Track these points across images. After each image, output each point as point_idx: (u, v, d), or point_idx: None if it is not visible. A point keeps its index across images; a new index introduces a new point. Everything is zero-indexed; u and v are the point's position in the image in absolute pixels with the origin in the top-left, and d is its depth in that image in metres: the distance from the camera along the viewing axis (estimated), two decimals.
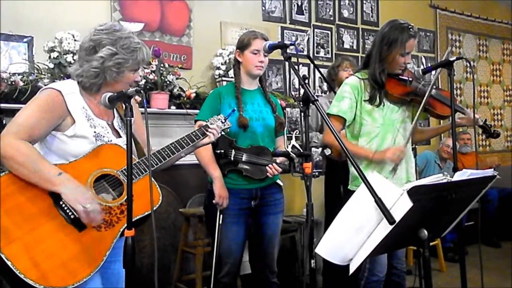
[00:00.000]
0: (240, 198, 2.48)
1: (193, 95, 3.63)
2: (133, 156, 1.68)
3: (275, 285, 2.61)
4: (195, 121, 2.51)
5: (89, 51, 1.76)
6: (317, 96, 4.64)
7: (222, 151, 2.43)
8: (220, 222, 2.46)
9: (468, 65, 2.78)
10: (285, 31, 4.65)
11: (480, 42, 6.49)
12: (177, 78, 3.63)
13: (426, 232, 1.51)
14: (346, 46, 5.14)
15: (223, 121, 2.15)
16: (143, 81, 3.45)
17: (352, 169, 2.53)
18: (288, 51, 1.80)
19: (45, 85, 2.86)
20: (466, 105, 6.08)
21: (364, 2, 5.29)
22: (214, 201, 2.41)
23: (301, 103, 1.71)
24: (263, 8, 4.53)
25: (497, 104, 6.68)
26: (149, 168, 1.63)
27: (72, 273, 1.56)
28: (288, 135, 2.72)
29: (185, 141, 1.94)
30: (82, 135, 1.72)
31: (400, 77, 2.47)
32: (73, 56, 3.06)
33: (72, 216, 1.62)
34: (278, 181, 2.62)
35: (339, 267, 1.53)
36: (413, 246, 3.13)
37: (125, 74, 1.78)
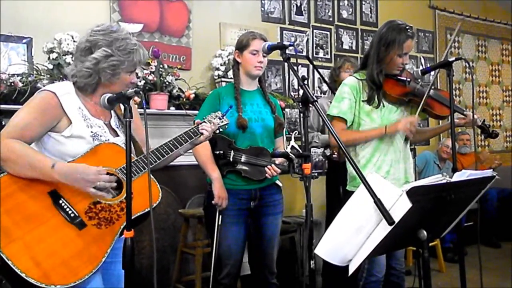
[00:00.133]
0: (239, 198, 2.48)
1: (192, 96, 3.63)
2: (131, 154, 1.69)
3: (274, 286, 2.61)
4: (194, 122, 2.50)
5: (84, 51, 1.76)
6: (317, 97, 4.65)
7: (221, 152, 2.44)
8: (220, 223, 2.46)
9: (467, 65, 2.79)
10: (284, 31, 4.66)
11: (479, 43, 6.50)
12: (176, 79, 3.63)
13: (425, 232, 1.51)
14: (345, 46, 5.14)
15: (220, 117, 2.15)
16: (142, 82, 3.45)
17: (350, 170, 2.53)
18: (287, 51, 1.80)
19: (44, 86, 2.88)
20: (465, 105, 6.08)
21: (363, 2, 5.29)
22: (213, 202, 2.41)
23: (300, 103, 1.71)
24: (262, 9, 4.53)
25: (496, 105, 6.68)
26: (148, 167, 1.64)
27: (73, 271, 1.56)
28: (287, 136, 2.72)
29: (182, 139, 1.94)
30: (79, 135, 1.73)
31: (398, 77, 2.48)
32: (72, 57, 3.06)
33: (72, 215, 1.63)
34: (278, 182, 2.62)
35: (338, 267, 1.54)
36: (413, 247, 3.13)
37: (120, 75, 1.79)
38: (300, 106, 1.72)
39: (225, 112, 2.20)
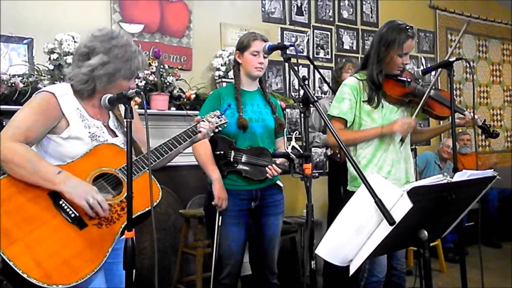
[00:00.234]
0: (240, 199, 2.48)
1: (193, 96, 3.63)
2: None
3: (275, 286, 2.61)
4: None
5: (82, 56, 1.77)
6: (318, 97, 4.65)
7: (222, 152, 2.44)
8: (219, 223, 2.46)
9: (468, 65, 2.79)
10: (284, 32, 4.66)
11: (479, 43, 6.49)
12: (177, 79, 3.63)
13: (426, 232, 1.51)
14: (346, 47, 5.14)
15: (219, 116, 2.16)
16: (143, 82, 3.45)
17: (351, 170, 2.53)
18: (287, 52, 1.80)
19: (45, 86, 2.88)
20: (465, 105, 6.08)
21: (364, 3, 5.29)
22: (213, 203, 2.41)
23: (301, 104, 1.71)
24: (263, 9, 4.53)
25: (497, 105, 6.68)
26: (149, 167, 1.64)
27: (75, 271, 1.57)
28: (288, 136, 2.72)
29: (181, 138, 1.95)
30: (77, 136, 1.73)
31: (399, 78, 2.48)
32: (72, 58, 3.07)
33: (72, 215, 1.63)
34: (278, 182, 2.62)
35: (339, 268, 1.53)
36: (413, 247, 3.13)
37: (117, 82, 1.78)
38: (301, 106, 1.72)
39: (224, 111, 2.20)
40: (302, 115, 1.73)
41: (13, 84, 2.93)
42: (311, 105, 1.70)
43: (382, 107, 2.45)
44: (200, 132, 2.00)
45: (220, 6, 4.23)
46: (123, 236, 1.59)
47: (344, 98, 2.45)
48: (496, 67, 6.70)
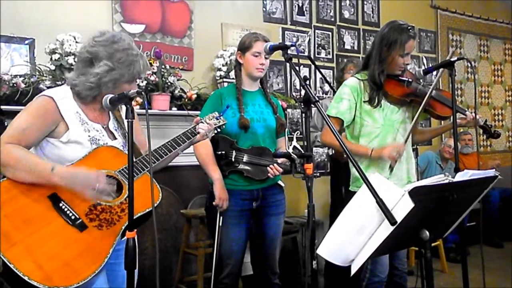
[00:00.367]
0: (241, 199, 2.48)
1: (194, 96, 3.63)
2: None
3: (276, 286, 2.61)
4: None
5: (85, 62, 1.77)
6: (319, 97, 4.65)
7: (223, 152, 2.44)
8: (220, 224, 2.46)
9: (469, 65, 2.78)
10: (286, 32, 4.66)
11: (481, 43, 6.48)
12: (178, 80, 3.63)
13: (427, 232, 1.51)
14: (347, 47, 5.14)
15: (218, 117, 2.17)
16: (144, 82, 3.46)
17: (353, 170, 2.53)
18: (289, 52, 1.80)
19: (47, 87, 2.89)
20: (467, 105, 6.07)
21: (365, 2, 5.29)
22: (214, 203, 2.41)
23: (302, 104, 1.72)
24: (264, 9, 4.53)
25: (498, 104, 6.67)
26: (151, 167, 1.64)
27: (76, 272, 1.56)
28: (289, 136, 2.72)
29: (180, 139, 1.96)
30: (76, 140, 1.73)
31: (400, 78, 2.47)
32: (74, 58, 3.07)
33: (72, 217, 1.63)
34: (280, 182, 2.62)
35: (340, 268, 1.53)
36: (415, 247, 3.13)
37: (121, 87, 1.79)
38: (302, 106, 1.72)
39: (222, 112, 2.21)
40: (303, 115, 1.73)
41: (14, 85, 2.94)
42: (312, 105, 1.70)
43: (384, 107, 2.45)
44: (198, 133, 2.01)
45: (221, 6, 4.23)
46: (125, 237, 1.59)
47: (343, 99, 2.45)
48: (498, 67, 6.69)
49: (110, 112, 1.91)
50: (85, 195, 1.63)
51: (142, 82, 3.44)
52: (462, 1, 6.18)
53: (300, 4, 4.77)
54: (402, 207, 1.36)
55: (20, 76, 3.01)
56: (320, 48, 4.92)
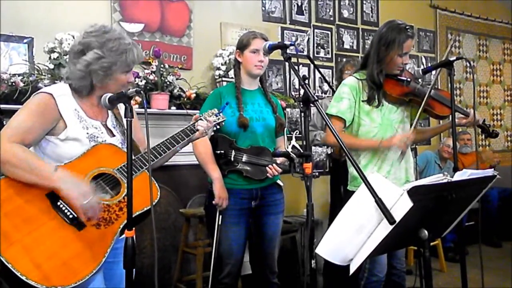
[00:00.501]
0: (240, 198, 2.48)
1: (193, 95, 3.63)
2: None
3: (275, 286, 2.61)
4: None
5: (77, 54, 1.76)
6: (318, 96, 4.65)
7: (222, 151, 2.44)
8: (220, 223, 2.46)
9: (468, 65, 2.78)
10: (285, 31, 4.66)
11: (480, 42, 6.49)
12: (177, 79, 3.63)
13: (426, 232, 1.51)
14: (346, 46, 5.14)
15: (217, 114, 2.16)
16: (143, 81, 3.45)
17: (351, 169, 2.53)
18: (288, 51, 1.80)
19: (46, 85, 2.88)
20: (465, 105, 6.08)
21: (364, 2, 5.29)
22: (213, 202, 2.41)
23: (301, 103, 1.72)
24: (263, 8, 4.53)
25: (497, 104, 6.68)
26: (149, 165, 1.64)
27: (74, 272, 1.56)
28: (288, 135, 2.72)
29: (179, 137, 1.94)
30: (75, 137, 1.73)
31: (399, 77, 2.48)
32: None
33: (70, 216, 1.62)
34: (279, 182, 2.62)
35: (339, 267, 1.53)
36: (414, 246, 3.13)
37: (114, 76, 1.77)
38: (301, 105, 1.72)
39: (222, 108, 2.20)
40: (303, 114, 1.73)
41: (13, 83, 2.93)
42: (311, 105, 1.70)
43: (382, 106, 2.45)
44: (197, 130, 2.00)
45: (220, 6, 4.23)
46: (123, 236, 1.59)
47: (343, 98, 2.45)
48: (497, 67, 6.70)
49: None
50: (74, 203, 1.62)
51: (141, 81, 3.44)
52: (461, 1, 6.19)
53: (299, 4, 4.77)
54: (401, 206, 1.36)
55: (19, 75, 3.01)
56: (319, 47, 4.92)
